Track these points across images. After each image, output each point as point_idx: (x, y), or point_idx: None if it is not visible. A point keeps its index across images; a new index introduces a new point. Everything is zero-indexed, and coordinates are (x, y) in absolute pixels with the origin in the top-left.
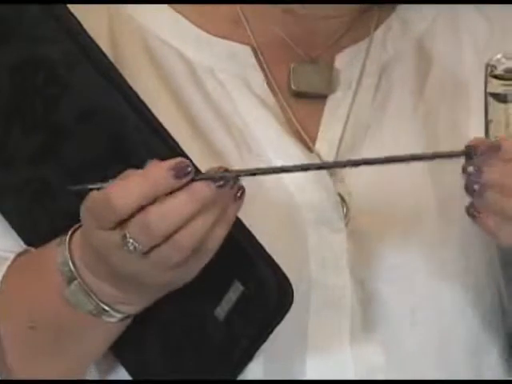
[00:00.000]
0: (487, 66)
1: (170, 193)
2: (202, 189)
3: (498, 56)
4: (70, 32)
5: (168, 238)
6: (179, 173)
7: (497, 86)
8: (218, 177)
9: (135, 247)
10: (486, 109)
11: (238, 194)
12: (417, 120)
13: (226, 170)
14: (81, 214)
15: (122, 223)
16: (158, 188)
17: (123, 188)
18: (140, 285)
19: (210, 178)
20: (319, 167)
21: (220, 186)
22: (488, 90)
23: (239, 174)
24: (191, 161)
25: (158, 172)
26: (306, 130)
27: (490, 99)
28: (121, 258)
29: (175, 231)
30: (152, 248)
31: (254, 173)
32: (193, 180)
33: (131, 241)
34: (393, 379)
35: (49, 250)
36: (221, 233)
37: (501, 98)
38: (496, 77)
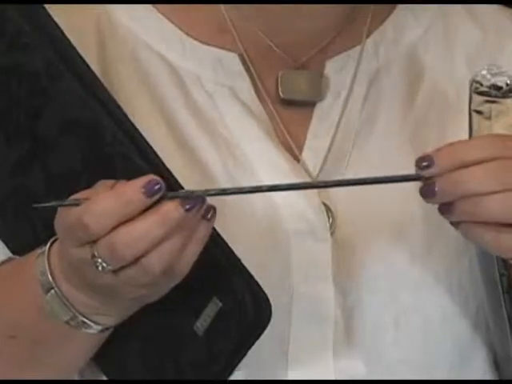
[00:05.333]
0: (472, 82)
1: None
2: (170, 211)
3: (483, 72)
4: (52, 41)
5: (136, 260)
6: (150, 191)
7: (481, 103)
8: (188, 195)
9: (103, 267)
10: (471, 126)
11: (208, 216)
12: (405, 132)
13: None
14: (55, 228)
15: (92, 241)
16: (131, 207)
17: (96, 208)
18: (115, 297)
19: (180, 196)
20: (288, 188)
21: (189, 209)
22: (472, 107)
23: (209, 192)
24: (171, 173)
25: (129, 191)
26: (293, 138)
27: (475, 116)
28: (91, 273)
29: (143, 254)
30: (121, 268)
31: (223, 193)
32: (163, 197)
33: (99, 260)
34: (377, 379)
35: (30, 260)
36: (191, 254)
37: (485, 115)
38: (481, 93)
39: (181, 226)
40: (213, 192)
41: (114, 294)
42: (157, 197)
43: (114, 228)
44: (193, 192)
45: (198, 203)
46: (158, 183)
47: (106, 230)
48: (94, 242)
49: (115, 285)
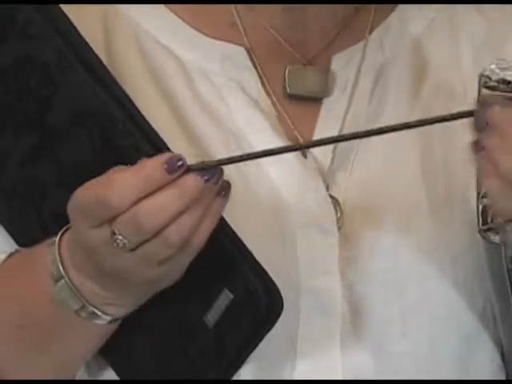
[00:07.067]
0: (480, 76)
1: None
2: (190, 183)
3: (492, 66)
4: (62, 32)
5: (156, 233)
6: (172, 167)
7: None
8: (212, 166)
9: (124, 244)
10: None
11: (223, 192)
12: None
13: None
14: (68, 212)
15: (111, 220)
16: (152, 182)
17: (118, 185)
18: (125, 283)
19: (202, 168)
20: (302, 147)
21: (208, 180)
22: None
23: (233, 160)
24: None
25: (151, 167)
26: (300, 133)
27: None
28: (108, 254)
29: (163, 227)
30: (140, 244)
31: (246, 158)
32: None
33: (120, 237)
34: (384, 379)
35: (39, 251)
36: (206, 228)
37: None
38: (489, 88)
39: (198, 199)
40: (238, 159)
41: (124, 280)
42: (179, 173)
43: (135, 203)
44: (216, 161)
45: (217, 173)
46: (180, 160)
47: (127, 205)
48: (113, 219)
49: (129, 266)
